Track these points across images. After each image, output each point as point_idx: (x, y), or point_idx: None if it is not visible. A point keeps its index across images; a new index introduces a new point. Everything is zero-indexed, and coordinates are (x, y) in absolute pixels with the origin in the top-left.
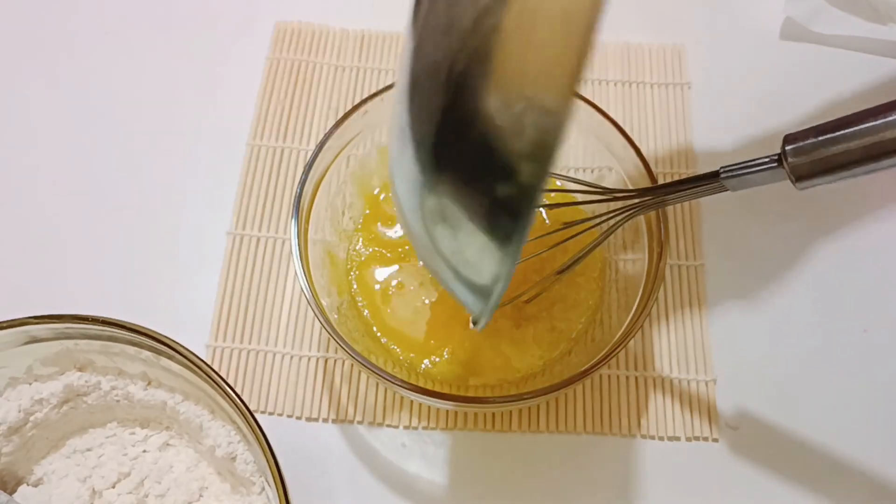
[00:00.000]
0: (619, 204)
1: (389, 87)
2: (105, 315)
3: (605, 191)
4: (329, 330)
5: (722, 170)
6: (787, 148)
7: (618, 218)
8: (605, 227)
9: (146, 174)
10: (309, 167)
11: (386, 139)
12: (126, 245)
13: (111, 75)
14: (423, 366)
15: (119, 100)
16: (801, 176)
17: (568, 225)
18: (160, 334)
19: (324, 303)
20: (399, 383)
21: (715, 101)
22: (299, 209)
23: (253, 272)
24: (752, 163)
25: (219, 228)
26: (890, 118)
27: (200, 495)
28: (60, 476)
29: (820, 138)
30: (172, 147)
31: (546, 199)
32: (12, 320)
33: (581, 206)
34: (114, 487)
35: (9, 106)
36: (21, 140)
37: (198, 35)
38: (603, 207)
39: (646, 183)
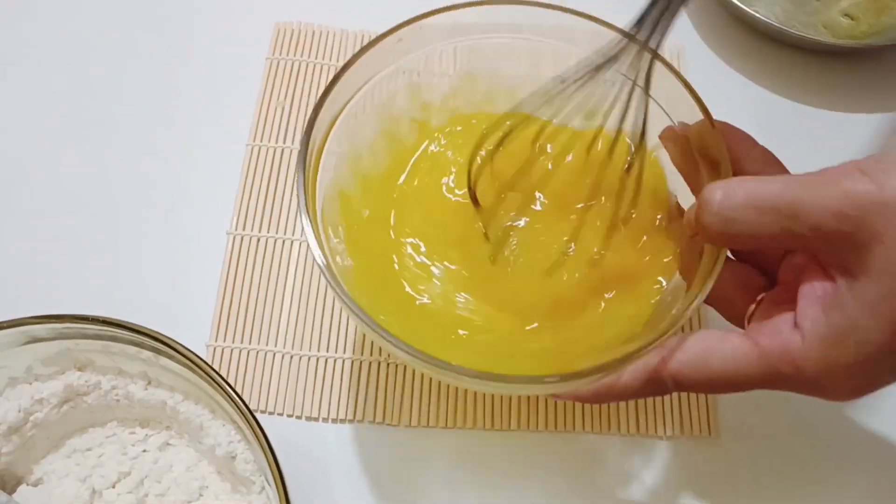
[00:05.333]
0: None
1: (430, 13)
2: (105, 315)
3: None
4: (334, 286)
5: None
6: None
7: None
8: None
9: (146, 174)
10: (325, 96)
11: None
12: (126, 245)
13: (110, 76)
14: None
15: (119, 100)
16: None
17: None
18: (160, 334)
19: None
20: (414, 353)
21: (714, 101)
22: (308, 144)
23: (253, 272)
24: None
25: (219, 228)
26: None
27: (200, 494)
28: (60, 476)
29: None
30: (173, 147)
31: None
32: (12, 320)
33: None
34: (114, 487)
35: (8, 107)
36: (21, 141)
37: (197, 36)
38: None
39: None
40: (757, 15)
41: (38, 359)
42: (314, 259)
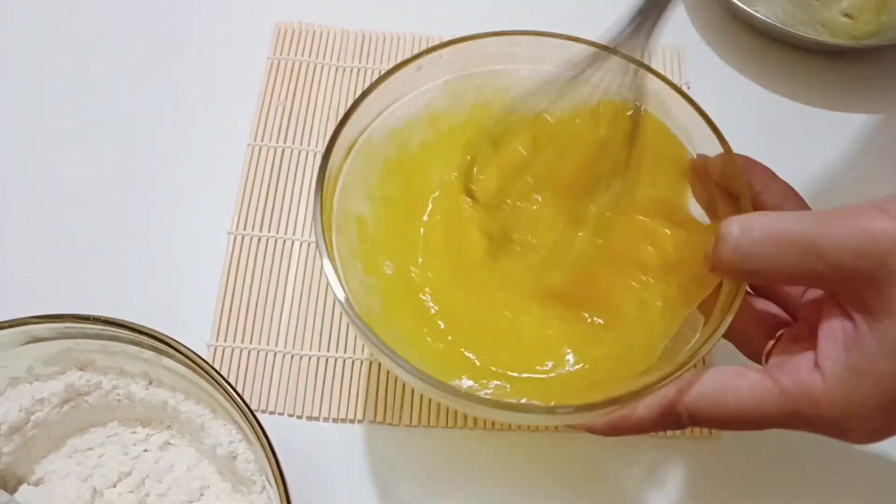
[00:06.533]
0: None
1: (453, 41)
2: (106, 314)
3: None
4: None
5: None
6: None
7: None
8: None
9: (147, 174)
10: (342, 125)
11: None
12: (127, 245)
13: (110, 76)
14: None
15: (119, 100)
16: None
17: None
18: (161, 333)
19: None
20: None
21: (715, 101)
22: (325, 170)
23: (254, 272)
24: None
25: (220, 228)
26: None
27: (201, 494)
28: (61, 475)
29: None
30: (173, 147)
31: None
32: (13, 320)
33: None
34: (115, 487)
35: (8, 107)
36: (21, 140)
37: (197, 36)
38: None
39: None
40: (757, 15)
41: (38, 359)
42: (336, 297)
